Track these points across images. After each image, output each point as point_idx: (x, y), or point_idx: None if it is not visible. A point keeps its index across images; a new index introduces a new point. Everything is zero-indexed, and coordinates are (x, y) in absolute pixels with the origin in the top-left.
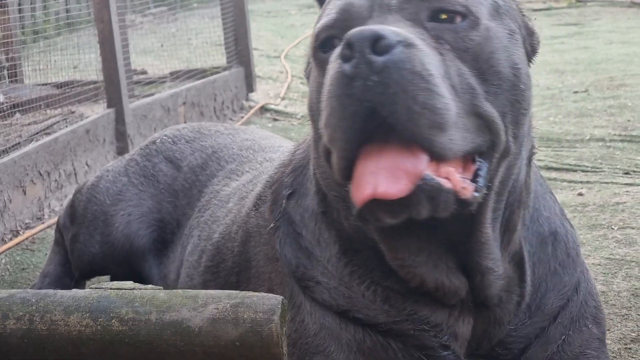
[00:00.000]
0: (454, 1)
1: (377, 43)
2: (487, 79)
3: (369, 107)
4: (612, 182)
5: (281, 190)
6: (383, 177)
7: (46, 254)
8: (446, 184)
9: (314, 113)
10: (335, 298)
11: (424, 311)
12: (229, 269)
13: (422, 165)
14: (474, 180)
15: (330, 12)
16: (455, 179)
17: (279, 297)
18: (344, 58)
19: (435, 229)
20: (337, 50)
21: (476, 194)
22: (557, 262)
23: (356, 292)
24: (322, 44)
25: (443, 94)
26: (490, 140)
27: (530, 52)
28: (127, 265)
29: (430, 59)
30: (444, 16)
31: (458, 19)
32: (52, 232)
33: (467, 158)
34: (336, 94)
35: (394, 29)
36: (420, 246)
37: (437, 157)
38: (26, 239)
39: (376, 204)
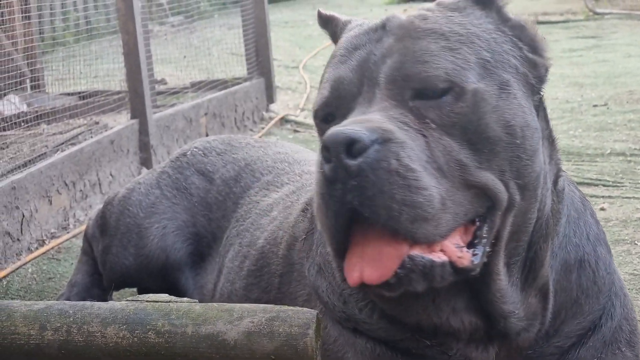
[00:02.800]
0: (435, 78)
1: (351, 147)
2: (479, 148)
3: (350, 207)
4: (634, 197)
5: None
6: (367, 264)
7: (72, 263)
8: (439, 258)
9: None
10: (339, 316)
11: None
12: (273, 272)
13: (404, 250)
14: (472, 243)
15: (325, 85)
16: (450, 250)
17: (314, 312)
18: (325, 159)
19: (441, 291)
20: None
21: (475, 260)
22: (581, 290)
23: (354, 311)
24: (323, 119)
25: (424, 186)
26: (488, 203)
27: (537, 83)
28: (162, 277)
29: (408, 151)
30: (428, 93)
31: (442, 94)
32: (77, 242)
33: (466, 222)
34: (320, 193)
35: (369, 124)
36: (427, 305)
37: (423, 243)
38: (52, 248)
39: (367, 286)
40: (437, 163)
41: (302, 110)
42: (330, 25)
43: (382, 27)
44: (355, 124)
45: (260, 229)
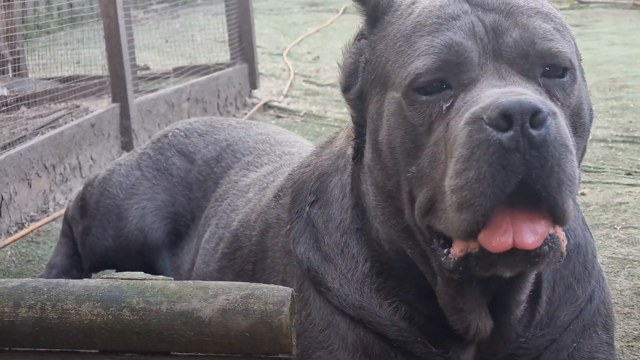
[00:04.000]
0: (564, 57)
1: (535, 117)
2: (577, 132)
3: (521, 178)
4: (614, 183)
5: (303, 193)
6: (522, 231)
7: (51, 246)
8: (564, 241)
9: (395, 153)
10: (344, 304)
11: (438, 338)
12: (246, 256)
13: (550, 225)
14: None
15: (430, 50)
16: (562, 235)
17: (289, 289)
18: (499, 128)
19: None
20: (474, 110)
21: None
22: (574, 276)
23: (372, 305)
24: (421, 88)
25: (575, 162)
26: None
27: None
28: (140, 258)
29: (566, 127)
30: (554, 71)
31: (565, 74)
32: (57, 225)
33: None
34: (486, 162)
35: (538, 96)
36: (475, 296)
37: (562, 219)
38: (31, 231)
39: (503, 255)
40: None
41: (286, 96)
42: (368, 1)
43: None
44: (523, 95)
45: (236, 210)
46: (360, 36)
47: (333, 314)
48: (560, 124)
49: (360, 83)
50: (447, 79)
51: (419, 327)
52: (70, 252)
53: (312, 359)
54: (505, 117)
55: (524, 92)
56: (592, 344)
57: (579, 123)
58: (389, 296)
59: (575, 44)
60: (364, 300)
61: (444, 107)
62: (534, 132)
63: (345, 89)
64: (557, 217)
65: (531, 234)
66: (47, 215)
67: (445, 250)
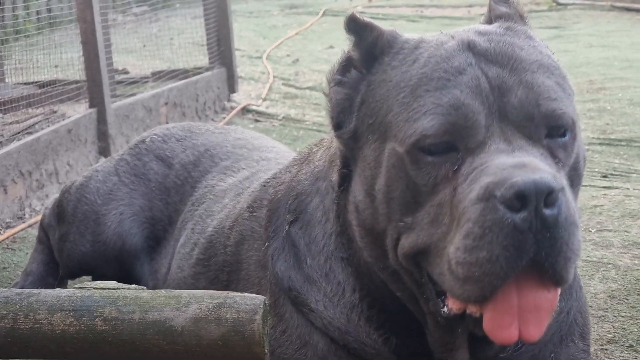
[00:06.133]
0: (567, 117)
1: (548, 197)
2: (574, 184)
3: (530, 257)
4: (590, 185)
5: (280, 211)
6: (528, 324)
7: (27, 253)
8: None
9: (392, 203)
10: (327, 326)
11: None
12: (220, 264)
13: (557, 299)
14: None
15: (437, 110)
16: (557, 296)
17: (261, 298)
18: (512, 209)
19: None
20: (486, 185)
21: None
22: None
23: (360, 333)
24: (428, 149)
25: (581, 234)
26: None
27: None
28: (118, 263)
29: (572, 200)
30: (557, 131)
31: (566, 133)
32: (33, 232)
33: None
34: (499, 245)
35: (548, 169)
36: (465, 335)
37: (563, 285)
38: (7, 238)
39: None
40: None
41: (264, 100)
42: (367, 35)
43: (468, 49)
44: (536, 170)
45: (212, 216)
46: (348, 65)
47: (312, 333)
48: (568, 199)
49: (355, 124)
50: (454, 141)
51: (406, 358)
52: (46, 259)
53: None
54: (520, 199)
55: (535, 167)
56: (569, 352)
57: (576, 176)
58: (380, 328)
59: (572, 91)
60: (350, 326)
61: (451, 171)
62: (547, 212)
63: (337, 127)
64: (559, 284)
65: (536, 327)
66: (23, 222)
67: (440, 300)
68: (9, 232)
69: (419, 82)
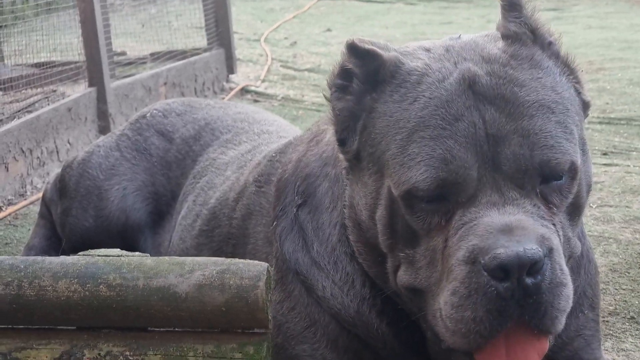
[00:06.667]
0: (564, 164)
1: (532, 267)
2: (573, 217)
3: (515, 319)
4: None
5: (288, 191)
6: None
7: (29, 229)
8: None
9: (394, 234)
10: (337, 314)
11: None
12: (225, 236)
13: (547, 343)
14: None
15: (430, 162)
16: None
17: (264, 264)
18: (496, 278)
19: None
20: (472, 247)
21: None
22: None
23: (370, 324)
24: (423, 198)
25: (571, 289)
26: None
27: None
28: (121, 238)
29: (562, 253)
30: (553, 177)
31: (563, 176)
32: (35, 209)
33: None
34: (483, 307)
35: (529, 234)
36: None
37: (553, 335)
38: (9, 214)
39: None
40: (562, 249)
41: (263, 81)
42: (368, 62)
43: (469, 87)
44: (522, 238)
45: (214, 188)
46: (350, 73)
47: (322, 314)
48: (555, 260)
49: (358, 146)
50: (445, 194)
51: (420, 356)
52: (48, 233)
53: (296, 351)
54: (503, 271)
55: (522, 233)
56: (578, 323)
57: (577, 207)
58: (391, 322)
59: (579, 119)
60: (360, 317)
61: (443, 220)
62: (529, 281)
63: (341, 142)
64: (548, 335)
65: None
66: (25, 199)
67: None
68: (11, 208)
69: (416, 127)
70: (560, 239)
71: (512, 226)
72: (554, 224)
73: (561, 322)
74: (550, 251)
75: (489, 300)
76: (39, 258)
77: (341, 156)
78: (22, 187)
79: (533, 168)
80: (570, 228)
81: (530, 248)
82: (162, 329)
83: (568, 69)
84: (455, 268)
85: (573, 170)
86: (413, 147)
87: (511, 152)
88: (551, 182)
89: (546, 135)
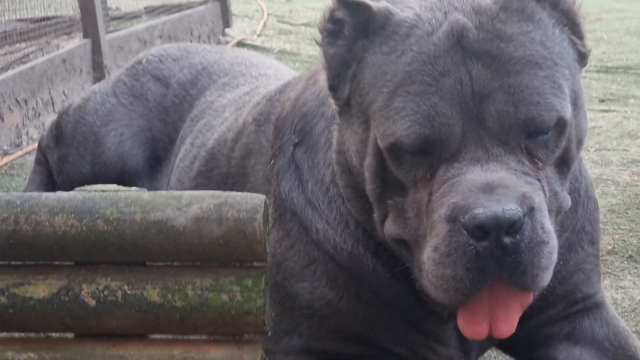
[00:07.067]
0: (549, 119)
1: (510, 227)
2: (562, 171)
3: (495, 276)
4: (588, 109)
5: (286, 129)
6: (498, 320)
7: (25, 178)
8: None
9: (384, 183)
10: (337, 254)
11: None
12: (223, 176)
13: (526, 301)
14: None
15: (414, 118)
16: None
17: (262, 197)
18: (474, 237)
19: None
20: (453, 205)
21: None
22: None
23: (368, 265)
24: (406, 149)
25: (555, 245)
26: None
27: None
28: (119, 184)
29: (545, 214)
30: (538, 132)
31: (549, 131)
32: (31, 159)
33: None
34: (463, 266)
35: (509, 192)
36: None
37: (535, 292)
38: (5, 164)
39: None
40: (549, 204)
41: (259, 35)
42: (358, 13)
43: (457, 41)
44: (502, 198)
45: (212, 130)
46: (340, 20)
47: (320, 252)
48: (536, 219)
49: (348, 94)
50: (430, 150)
51: (416, 294)
52: (45, 180)
53: (295, 289)
54: (482, 230)
55: (503, 192)
56: (578, 257)
57: (564, 163)
58: (386, 263)
59: (571, 74)
60: (355, 258)
61: (428, 174)
62: (507, 240)
63: (332, 88)
64: (529, 292)
65: (506, 323)
66: (21, 149)
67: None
68: (7, 158)
69: (402, 81)
70: (545, 195)
71: (493, 184)
72: (539, 179)
73: (543, 279)
74: (531, 210)
75: (468, 259)
76: (35, 194)
77: (332, 101)
78: (18, 138)
79: (517, 125)
80: (559, 182)
81: (510, 209)
82: (160, 264)
83: (566, 18)
84: (437, 225)
85: (561, 125)
86: (399, 101)
87: (495, 109)
88: (537, 137)
89: (532, 92)
